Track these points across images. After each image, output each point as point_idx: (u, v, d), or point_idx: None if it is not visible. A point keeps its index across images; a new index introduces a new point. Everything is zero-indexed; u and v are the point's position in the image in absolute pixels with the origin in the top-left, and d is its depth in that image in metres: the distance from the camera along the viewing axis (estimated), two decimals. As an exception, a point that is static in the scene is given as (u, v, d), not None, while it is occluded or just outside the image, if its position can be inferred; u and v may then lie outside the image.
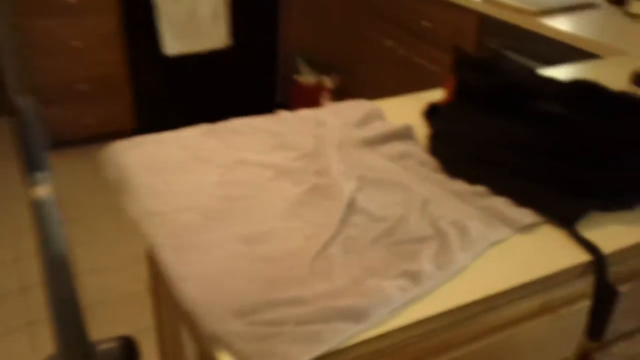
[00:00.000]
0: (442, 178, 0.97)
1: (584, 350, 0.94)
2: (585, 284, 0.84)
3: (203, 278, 0.72)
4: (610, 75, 1.42)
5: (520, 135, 0.97)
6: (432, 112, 1.18)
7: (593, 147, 0.92)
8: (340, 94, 3.10)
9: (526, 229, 0.86)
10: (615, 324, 0.94)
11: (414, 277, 0.73)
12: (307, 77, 3.12)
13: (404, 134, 1.10)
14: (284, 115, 1.17)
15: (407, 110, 1.23)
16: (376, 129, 1.12)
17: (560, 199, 0.90)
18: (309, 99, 3.12)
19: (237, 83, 3.14)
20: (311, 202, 0.90)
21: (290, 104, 3.30)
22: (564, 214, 0.88)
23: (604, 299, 0.85)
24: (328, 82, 3.06)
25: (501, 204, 0.89)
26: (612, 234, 0.86)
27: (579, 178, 0.91)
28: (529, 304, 0.81)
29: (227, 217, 0.85)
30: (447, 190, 0.94)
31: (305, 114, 1.18)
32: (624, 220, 0.88)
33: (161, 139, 1.05)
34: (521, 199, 0.90)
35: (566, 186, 0.91)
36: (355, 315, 0.67)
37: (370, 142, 1.08)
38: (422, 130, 1.13)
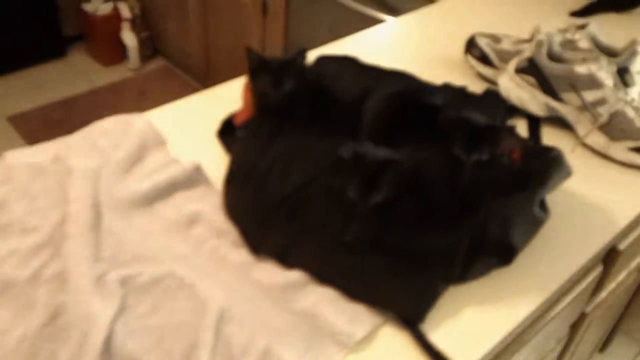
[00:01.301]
0: (244, 260, 0.70)
1: None
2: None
3: None
4: (435, 34, 1.19)
5: (334, 183, 0.70)
6: (229, 132, 0.87)
7: (434, 202, 0.69)
8: (142, 25, 2.61)
9: (362, 341, 0.62)
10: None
11: None
12: (97, 5, 2.56)
13: (192, 178, 0.79)
14: (9, 161, 0.79)
15: (205, 115, 0.90)
16: (153, 173, 0.79)
17: (399, 280, 0.66)
18: (105, 32, 2.59)
19: (9, 15, 2.50)
20: (45, 349, 0.58)
21: (85, 39, 2.73)
22: (406, 308, 0.65)
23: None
24: (125, 10, 2.55)
25: (325, 303, 0.64)
26: (470, 323, 0.65)
27: (421, 245, 0.69)
28: None
29: None
30: (253, 283, 0.67)
31: (41, 155, 0.80)
32: (483, 294, 0.69)
33: None
34: (350, 288, 0.66)
35: (405, 258, 0.68)
36: None
37: (145, 199, 0.76)
38: (223, 159, 0.83)
